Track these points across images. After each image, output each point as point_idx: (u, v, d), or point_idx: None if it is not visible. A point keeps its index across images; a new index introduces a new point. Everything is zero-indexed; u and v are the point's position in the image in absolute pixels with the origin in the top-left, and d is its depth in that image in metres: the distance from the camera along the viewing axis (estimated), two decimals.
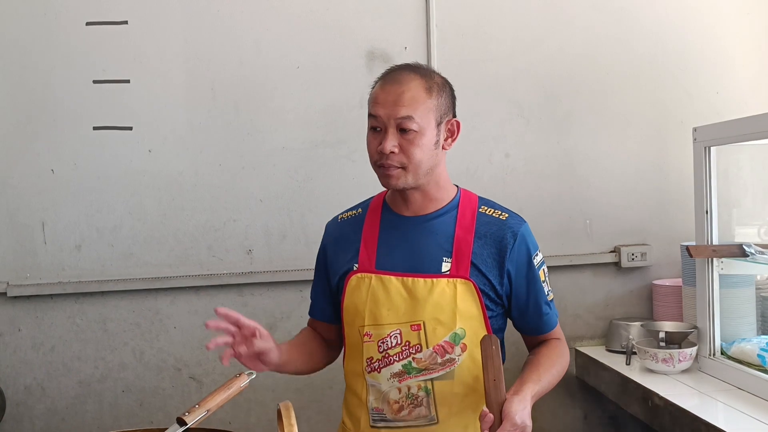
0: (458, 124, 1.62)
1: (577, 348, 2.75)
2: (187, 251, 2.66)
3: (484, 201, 1.66)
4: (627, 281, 2.85)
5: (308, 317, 1.85)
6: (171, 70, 2.62)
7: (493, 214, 1.62)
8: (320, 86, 2.69)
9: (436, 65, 2.72)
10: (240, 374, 1.30)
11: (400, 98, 1.50)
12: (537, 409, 2.80)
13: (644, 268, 2.85)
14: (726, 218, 2.78)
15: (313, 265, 2.67)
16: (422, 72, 1.58)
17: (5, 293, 2.55)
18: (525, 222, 1.64)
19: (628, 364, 2.49)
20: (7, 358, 2.59)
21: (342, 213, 1.76)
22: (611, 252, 2.83)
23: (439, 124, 1.56)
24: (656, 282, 2.77)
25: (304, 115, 2.69)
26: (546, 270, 1.66)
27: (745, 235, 2.79)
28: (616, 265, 2.83)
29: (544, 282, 1.64)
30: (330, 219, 1.80)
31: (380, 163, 1.54)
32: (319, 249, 1.78)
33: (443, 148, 1.59)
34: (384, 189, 1.70)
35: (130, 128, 2.62)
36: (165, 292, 2.65)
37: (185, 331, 2.67)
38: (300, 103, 2.69)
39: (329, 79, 2.69)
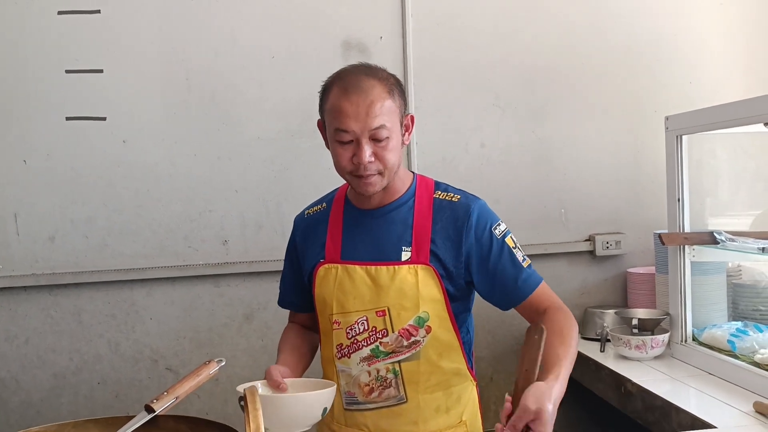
0: (413, 118, 1.64)
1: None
2: (162, 242, 2.64)
3: (439, 186, 1.68)
4: (602, 269, 2.88)
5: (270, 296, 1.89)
6: (145, 59, 2.60)
7: (446, 198, 1.64)
8: (296, 76, 2.68)
9: (411, 55, 2.73)
10: (209, 361, 1.30)
11: (370, 109, 1.49)
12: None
13: (619, 257, 2.88)
14: (699, 207, 2.81)
15: None
16: (379, 75, 1.56)
17: None
18: (479, 199, 1.65)
19: (602, 351, 2.52)
20: None
21: (308, 208, 1.80)
22: (586, 240, 2.86)
23: (401, 124, 1.58)
24: (630, 270, 2.80)
25: (280, 105, 2.68)
26: (514, 238, 1.64)
27: (719, 223, 2.82)
28: (591, 253, 2.85)
29: (515, 248, 1.62)
30: (298, 214, 1.83)
31: (357, 174, 1.54)
32: (289, 242, 1.82)
33: (403, 143, 1.60)
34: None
35: (104, 118, 2.60)
36: (141, 284, 2.64)
37: (161, 322, 2.66)
38: (275, 93, 2.68)
39: (305, 69, 2.68)
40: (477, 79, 2.79)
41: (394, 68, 2.59)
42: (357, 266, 1.61)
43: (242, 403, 1.33)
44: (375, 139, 1.51)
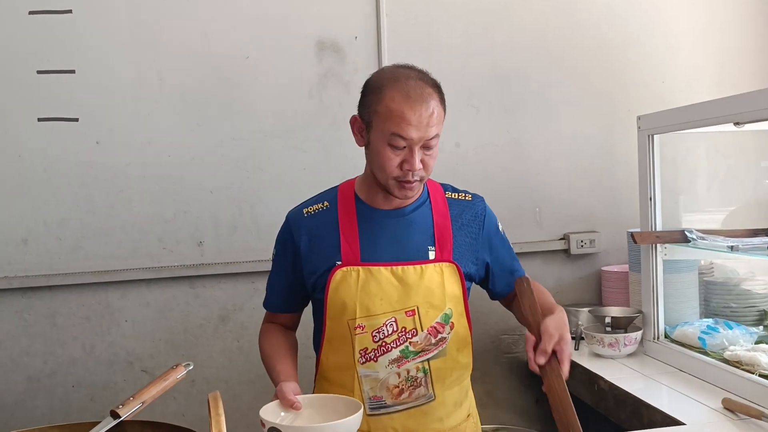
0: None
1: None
2: (136, 244, 2.63)
3: (446, 187, 1.74)
4: (576, 268, 2.90)
5: (265, 312, 1.80)
6: (117, 60, 2.59)
7: (459, 197, 1.71)
8: (269, 76, 2.67)
9: (386, 54, 2.73)
10: (177, 365, 1.30)
11: (430, 120, 1.50)
12: (491, 394, 2.86)
13: (593, 255, 2.90)
14: (674, 206, 2.83)
15: (264, 257, 2.67)
16: (433, 82, 1.57)
17: None
18: (483, 197, 1.78)
19: (576, 349, 2.54)
20: None
21: (305, 206, 1.69)
22: (561, 239, 2.88)
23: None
24: (605, 268, 2.82)
25: (254, 105, 2.67)
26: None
27: (693, 222, 2.84)
28: (566, 252, 2.87)
29: (511, 244, 1.80)
30: (291, 211, 1.72)
31: (404, 179, 1.53)
32: (283, 241, 1.71)
33: None
34: (347, 179, 1.72)
35: (77, 119, 2.58)
36: (115, 285, 2.62)
37: (137, 323, 2.64)
38: (249, 93, 2.67)
39: (278, 69, 2.68)
40: (451, 79, 2.72)
41: (368, 68, 2.60)
42: (381, 267, 1.58)
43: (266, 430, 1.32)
44: (426, 147, 1.52)
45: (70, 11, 2.55)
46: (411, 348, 1.59)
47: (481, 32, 2.80)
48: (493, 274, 1.73)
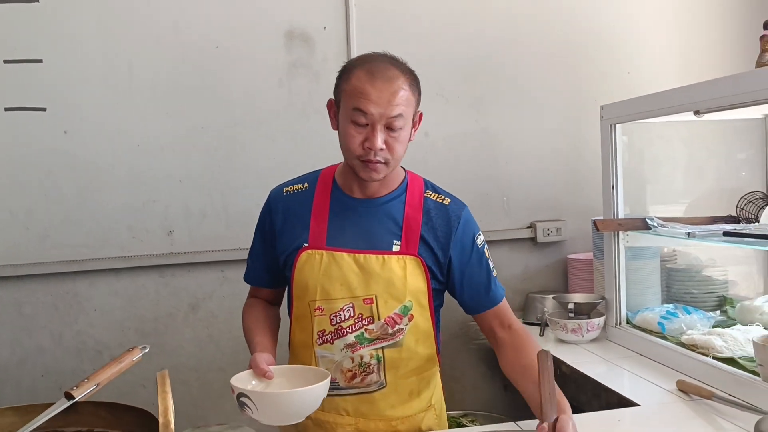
0: (421, 115, 1.65)
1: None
2: (106, 233, 2.64)
3: (428, 185, 1.73)
4: (543, 256, 2.95)
5: (247, 287, 1.82)
6: (86, 49, 2.59)
7: (437, 199, 1.69)
8: (239, 66, 2.69)
9: (355, 45, 2.75)
10: (133, 348, 1.31)
11: (394, 97, 1.50)
12: (459, 381, 2.89)
13: (559, 243, 2.94)
14: (640, 194, 2.88)
15: (234, 246, 2.69)
16: (403, 67, 1.59)
17: None
18: (465, 206, 1.71)
19: (541, 335, 2.58)
20: None
21: (287, 185, 1.73)
22: (527, 228, 2.92)
23: (413, 119, 1.60)
24: (570, 256, 2.87)
25: (223, 94, 2.69)
26: (488, 249, 1.73)
27: (658, 210, 2.89)
28: (533, 240, 2.92)
29: (489, 259, 1.72)
30: (273, 188, 1.75)
31: (365, 159, 1.54)
32: (262, 216, 1.75)
33: (410, 138, 1.62)
34: (329, 165, 1.73)
35: (44, 109, 2.58)
36: (83, 275, 2.63)
37: (106, 312, 2.65)
38: (219, 82, 2.68)
39: (248, 59, 2.69)
40: (420, 69, 2.70)
41: (338, 58, 2.64)
42: (344, 253, 1.60)
43: (241, 398, 1.35)
44: (389, 128, 1.52)
45: (37, 0, 2.55)
46: (366, 335, 1.61)
47: (450, 23, 2.83)
48: (461, 285, 1.68)
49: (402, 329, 1.62)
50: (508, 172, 2.90)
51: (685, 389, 1.85)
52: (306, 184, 1.70)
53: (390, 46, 2.75)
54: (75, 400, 1.17)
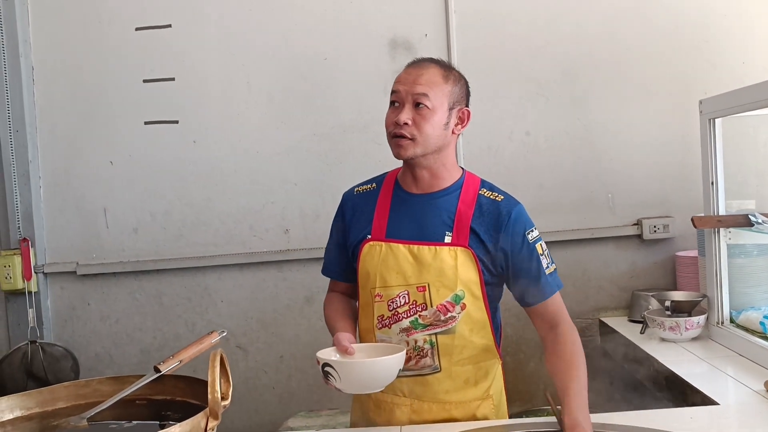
0: (469, 113, 1.79)
1: (601, 318, 2.83)
2: (230, 232, 2.92)
3: (485, 184, 1.83)
4: (650, 253, 2.89)
5: (328, 281, 2.00)
6: (210, 67, 2.89)
7: (490, 196, 1.79)
8: (346, 74, 2.87)
9: (456, 49, 2.85)
10: (212, 332, 1.53)
11: (418, 78, 1.69)
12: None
13: (667, 240, 2.88)
14: (755, 189, 2.77)
15: None
16: (441, 63, 1.77)
17: (75, 272, 2.90)
18: (519, 203, 1.80)
19: (642, 333, 2.56)
20: (79, 329, 2.95)
21: (358, 186, 1.92)
22: (634, 225, 2.88)
23: (451, 109, 1.73)
24: (679, 253, 2.80)
25: (332, 102, 2.88)
26: (544, 245, 1.80)
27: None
28: (639, 237, 2.87)
29: (542, 255, 1.78)
30: (347, 190, 1.94)
31: (394, 133, 1.72)
32: (336, 216, 1.95)
33: (453, 132, 1.76)
34: (397, 167, 1.88)
35: (177, 122, 2.90)
36: (212, 269, 2.93)
37: (231, 303, 2.94)
38: (328, 91, 2.88)
39: (355, 67, 2.87)
40: (520, 68, 2.87)
41: None
42: (400, 244, 1.75)
43: (325, 368, 1.54)
44: (417, 105, 1.68)
45: (170, 26, 2.87)
46: (420, 321, 1.73)
47: (548, 24, 2.85)
48: (512, 278, 1.75)
49: (454, 317, 1.72)
50: (613, 169, 2.88)
51: None
52: (374, 185, 1.88)
53: (489, 48, 2.88)
54: (162, 372, 1.39)
